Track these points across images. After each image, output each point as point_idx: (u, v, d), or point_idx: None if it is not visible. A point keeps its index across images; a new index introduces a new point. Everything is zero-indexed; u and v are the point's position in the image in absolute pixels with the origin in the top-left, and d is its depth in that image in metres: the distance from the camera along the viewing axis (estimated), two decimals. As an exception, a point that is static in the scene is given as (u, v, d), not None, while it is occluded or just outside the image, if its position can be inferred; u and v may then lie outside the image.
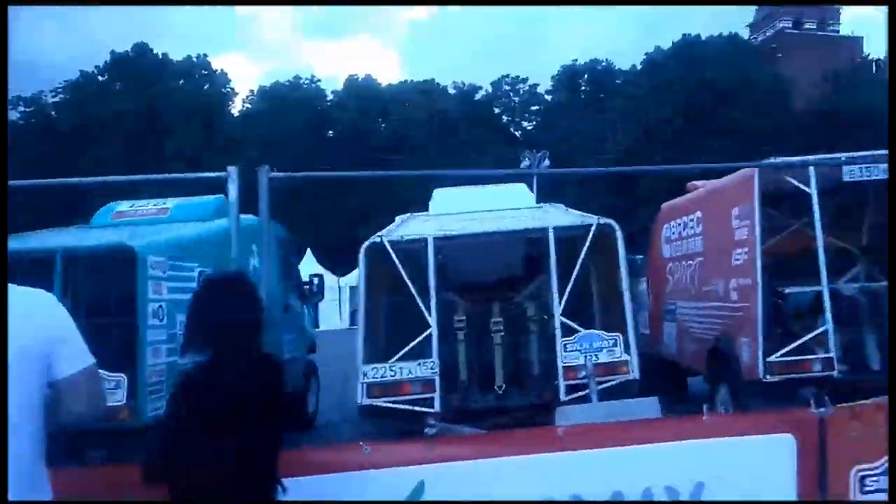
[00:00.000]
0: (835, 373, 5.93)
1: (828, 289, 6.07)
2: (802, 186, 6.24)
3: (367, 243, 5.97)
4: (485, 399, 5.97)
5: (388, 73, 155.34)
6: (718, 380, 6.95)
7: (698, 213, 7.81)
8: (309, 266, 25.64)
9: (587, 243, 6.05)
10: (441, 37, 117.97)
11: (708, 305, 7.33)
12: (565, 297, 5.97)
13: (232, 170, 3.64)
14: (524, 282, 6.97)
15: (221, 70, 55.11)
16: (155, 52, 53.26)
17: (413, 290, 5.85)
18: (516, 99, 53.97)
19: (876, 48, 67.35)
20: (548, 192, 38.49)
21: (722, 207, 7.01)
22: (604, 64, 60.94)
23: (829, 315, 6.03)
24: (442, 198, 8.18)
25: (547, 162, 41.33)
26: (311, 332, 10.40)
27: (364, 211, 37.72)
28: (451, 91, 54.41)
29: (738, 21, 73.22)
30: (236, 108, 55.98)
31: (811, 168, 6.19)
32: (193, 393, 2.26)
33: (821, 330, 6.03)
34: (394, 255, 5.90)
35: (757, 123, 47.17)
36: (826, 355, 5.97)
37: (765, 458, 3.62)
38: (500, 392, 5.97)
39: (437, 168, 40.41)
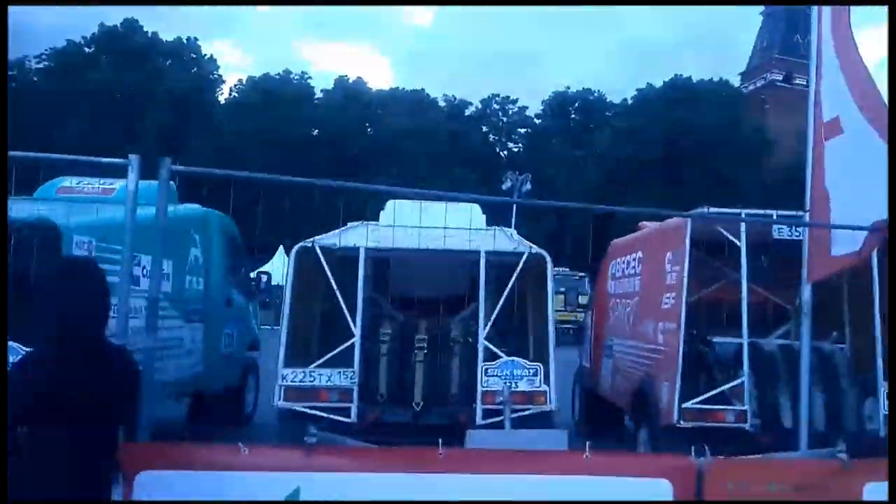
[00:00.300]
0: (747, 426, 6.07)
1: (747, 342, 6.22)
2: (733, 239, 6.41)
3: (297, 247, 6.03)
4: (401, 414, 6.03)
5: (383, 78, 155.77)
6: (640, 421, 7.07)
7: (639, 254, 7.96)
8: (281, 265, 25.52)
9: (517, 271, 6.15)
10: (441, 47, 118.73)
11: (637, 345, 7.46)
12: (490, 322, 6.06)
13: (133, 158, 3.64)
14: (458, 302, 7.05)
15: (211, 55, 54.95)
16: (145, 29, 52.97)
17: (340, 298, 5.91)
18: (504, 119, 54.42)
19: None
20: (527, 216, 38.85)
21: (658, 251, 7.16)
22: (595, 94, 61.73)
23: (746, 368, 6.18)
24: (394, 209, 8.26)
25: (528, 185, 41.88)
26: (255, 329, 10.35)
27: (336, 215, 37.66)
28: (442, 104, 54.78)
29: (731, 69, 74.63)
30: (224, 95, 55.82)
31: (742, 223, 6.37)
32: (21, 384, 2.21)
33: (737, 382, 6.17)
34: (324, 261, 5.96)
35: (737, 171, 48.09)
36: (740, 408, 6.11)
37: (641, 501, 3.70)
38: (418, 409, 6.03)
39: (414, 180, 40.57)
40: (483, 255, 6.16)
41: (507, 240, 6.63)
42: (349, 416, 5.74)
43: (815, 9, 5.30)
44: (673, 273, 6.62)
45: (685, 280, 6.33)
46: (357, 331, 5.90)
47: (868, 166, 4.62)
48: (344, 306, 5.93)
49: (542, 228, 41.05)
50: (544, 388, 6.01)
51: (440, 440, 3.56)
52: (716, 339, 6.95)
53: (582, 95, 61.16)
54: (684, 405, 6.08)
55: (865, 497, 3.62)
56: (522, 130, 56.05)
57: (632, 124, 51.00)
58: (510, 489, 3.63)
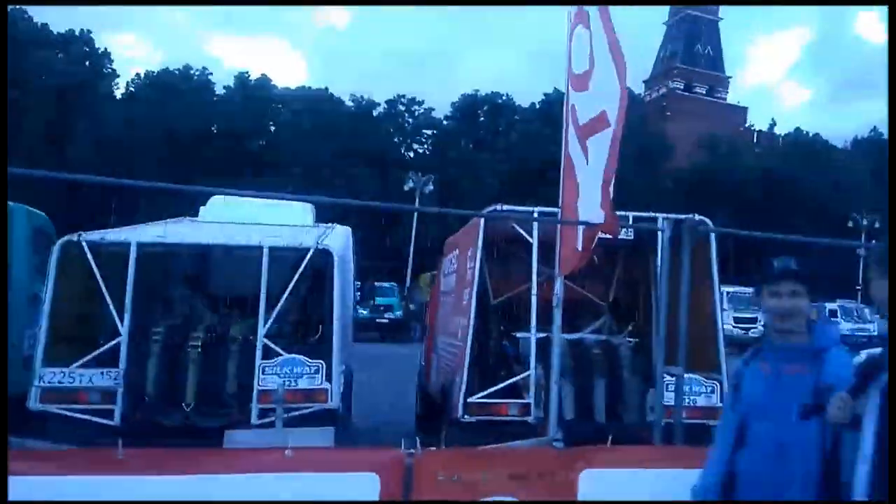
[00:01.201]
0: (530, 418, 6.18)
1: (535, 337, 6.33)
2: (526, 236, 6.53)
3: (60, 241, 5.78)
4: (171, 416, 5.84)
5: (294, 76, 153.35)
6: (442, 416, 7.12)
7: (456, 251, 8.05)
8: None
9: (301, 267, 6.07)
10: (355, 48, 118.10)
11: (447, 342, 7.55)
12: (271, 320, 5.95)
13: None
14: (239, 299, 6.91)
15: (105, 49, 52.73)
16: (35, 20, 50.37)
17: (106, 296, 5.68)
18: (410, 120, 54.45)
19: (759, 120, 72.72)
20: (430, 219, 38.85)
21: (465, 248, 7.26)
22: (504, 98, 62.54)
23: (532, 362, 6.29)
24: (214, 206, 8.06)
25: (431, 186, 42.06)
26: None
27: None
28: (349, 103, 54.32)
29: (636, 76, 77.38)
30: (120, 90, 53.63)
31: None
32: None
33: (523, 376, 6.29)
34: (90, 257, 5.72)
35: (637, 175, 49.60)
36: (524, 401, 6.22)
37: (349, 496, 3.67)
38: (188, 410, 5.86)
39: (312, 180, 40.11)
40: (266, 250, 6.04)
41: (295, 236, 6.53)
42: (112, 419, 5.50)
43: (574, 9, 5.33)
44: (471, 270, 6.70)
45: (477, 276, 6.41)
46: (123, 329, 5.68)
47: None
48: (110, 304, 5.69)
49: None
50: (325, 385, 5.94)
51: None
52: (520, 335, 7.06)
53: (491, 98, 61.85)
54: (469, 400, 6.15)
55: (580, 484, 3.68)
56: (428, 132, 56.17)
57: (536, 128, 51.94)
58: (212, 488, 3.51)
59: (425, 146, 57.26)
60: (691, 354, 7.53)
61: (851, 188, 53.06)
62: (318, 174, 43.59)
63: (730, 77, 71.87)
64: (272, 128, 50.58)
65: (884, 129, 69.19)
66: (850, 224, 45.97)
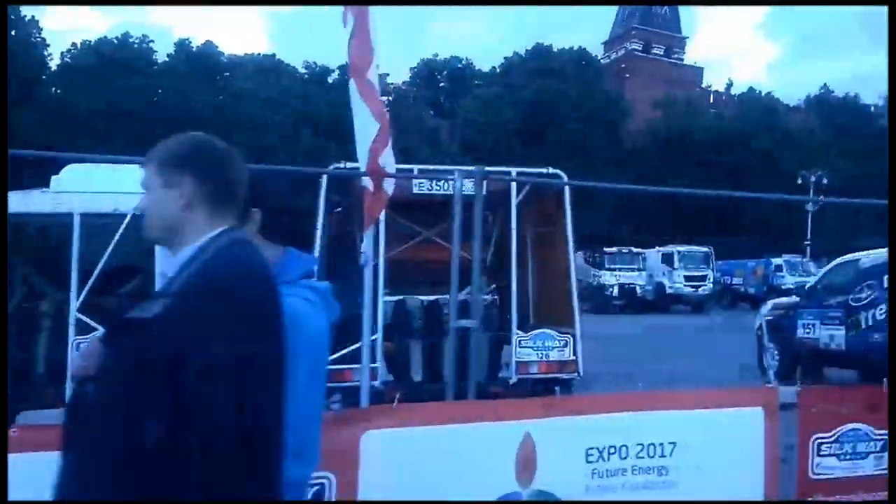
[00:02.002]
0: (376, 383, 5.88)
1: (383, 301, 6.00)
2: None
3: None
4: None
5: (249, 43, 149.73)
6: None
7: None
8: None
9: (117, 235, 5.61)
10: (311, 13, 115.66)
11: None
12: (85, 291, 5.51)
13: None
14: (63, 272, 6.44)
15: (32, 17, 50.65)
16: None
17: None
18: (364, 86, 53.31)
19: (715, 79, 72.81)
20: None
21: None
22: (464, 62, 61.98)
23: (381, 325, 5.97)
24: (67, 175, 7.52)
25: (384, 154, 41.43)
26: None
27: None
28: (302, 70, 53.18)
29: (596, 38, 77.00)
30: (55, 61, 51.74)
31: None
32: None
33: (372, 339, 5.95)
34: None
35: (595, 138, 49.52)
36: (371, 366, 5.89)
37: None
38: (4, 390, 5.42)
39: (259, 149, 39.16)
40: (77, 216, 5.57)
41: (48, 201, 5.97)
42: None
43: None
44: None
45: (318, 234, 6.07)
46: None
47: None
48: None
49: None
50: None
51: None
52: (386, 299, 6.72)
53: (451, 63, 61.21)
54: (320, 367, 5.81)
55: (361, 445, 3.55)
56: (385, 98, 55.13)
57: (494, 92, 51.48)
58: None
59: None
60: (546, 310, 7.39)
61: (802, 145, 53.56)
62: (267, 143, 42.66)
63: (686, 37, 71.98)
64: (220, 98, 49.31)
65: (834, 87, 69.94)
66: (800, 181, 46.41)
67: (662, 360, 14.01)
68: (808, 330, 11.27)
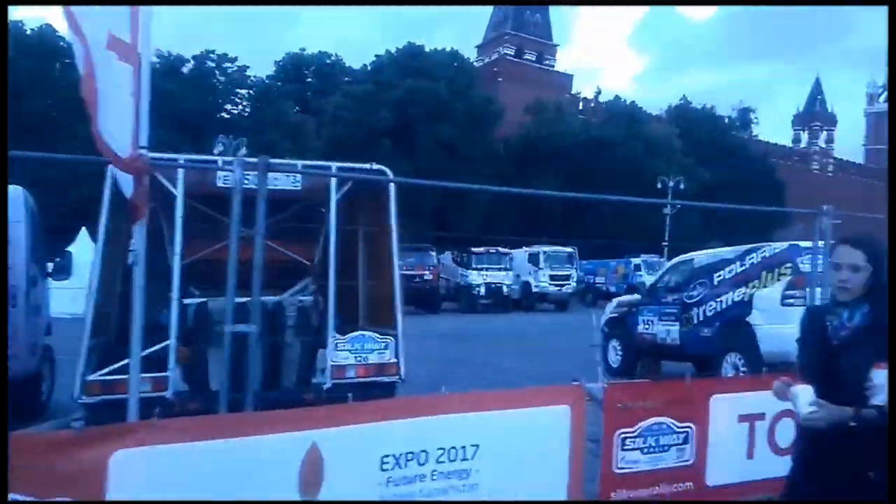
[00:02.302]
0: (168, 394, 5.32)
1: (177, 302, 5.45)
2: (170, 187, 5.60)
3: None
4: None
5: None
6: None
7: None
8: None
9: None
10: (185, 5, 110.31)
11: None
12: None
13: None
14: None
15: None
16: None
17: None
18: (223, 78, 51.26)
19: (585, 87, 75.83)
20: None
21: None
22: (333, 58, 60.87)
23: (173, 331, 5.41)
24: None
25: (244, 150, 39.85)
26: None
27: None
28: (154, 59, 50.10)
29: (471, 40, 78.06)
30: None
31: (180, 170, 5.55)
32: None
33: (160, 346, 5.38)
34: None
35: (467, 140, 50.05)
36: (160, 375, 5.33)
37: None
38: None
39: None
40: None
41: None
42: None
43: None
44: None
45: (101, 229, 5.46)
46: None
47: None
48: None
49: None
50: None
51: None
52: (188, 301, 6.15)
53: (318, 59, 59.92)
54: (88, 378, 5.18)
55: (111, 466, 3.17)
56: (243, 92, 53.23)
57: (364, 90, 50.90)
58: None
59: (241, 107, 54.20)
60: (371, 311, 7.14)
61: (662, 152, 56.64)
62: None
63: (557, 45, 74.28)
64: (62, 85, 45.67)
65: (693, 98, 74.72)
66: (659, 185, 49.14)
67: (508, 357, 14.13)
68: (647, 326, 11.65)
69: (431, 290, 31.06)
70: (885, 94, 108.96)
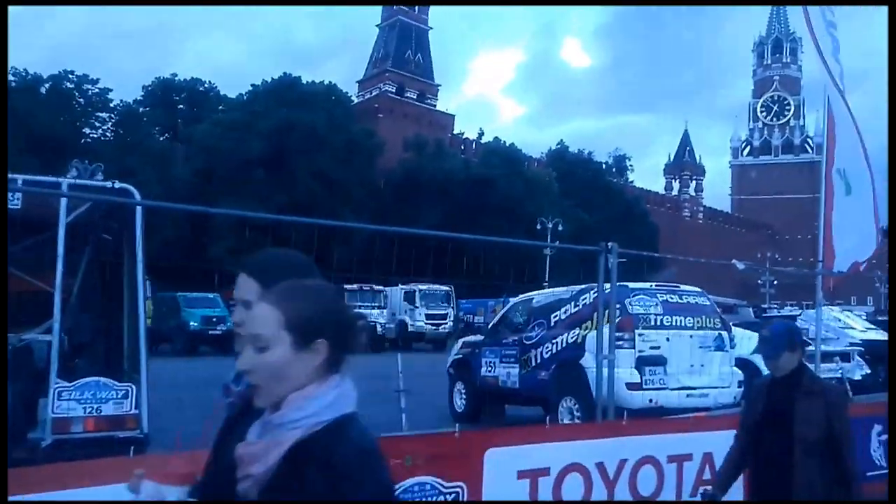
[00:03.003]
0: None
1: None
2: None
3: None
4: None
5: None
6: None
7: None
8: None
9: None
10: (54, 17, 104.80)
11: None
12: None
13: None
14: None
15: None
16: None
17: None
18: (82, 100, 48.33)
19: (467, 128, 77.26)
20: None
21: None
22: (206, 85, 58.97)
23: None
24: None
25: (100, 176, 37.56)
26: None
27: None
28: (11, 78, 46.74)
29: (353, 75, 77.68)
30: None
31: None
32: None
33: None
34: None
35: (345, 174, 49.37)
36: None
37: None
38: None
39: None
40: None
41: None
42: None
43: None
44: None
45: None
46: None
47: None
48: None
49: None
50: None
51: None
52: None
53: (190, 85, 57.88)
54: None
55: None
56: (104, 115, 50.39)
57: (234, 118, 49.37)
58: None
59: (101, 131, 51.26)
60: (110, 354, 6.28)
61: (541, 194, 58.06)
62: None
63: (439, 85, 75.28)
64: None
65: (572, 144, 77.61)
66: (539, 226, 50.17)
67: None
68: (489, 368, 11.22)
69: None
70: (748, 147, 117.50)
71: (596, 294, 9.70)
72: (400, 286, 35.99)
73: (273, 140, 47.55)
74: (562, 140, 76.52)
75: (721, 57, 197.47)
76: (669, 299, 9.50)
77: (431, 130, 64.95)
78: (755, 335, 10.14)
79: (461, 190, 54.35)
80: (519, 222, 52.19)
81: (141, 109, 55.42)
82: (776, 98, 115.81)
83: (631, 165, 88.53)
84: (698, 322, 9.49)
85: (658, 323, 9.17)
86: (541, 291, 11.24)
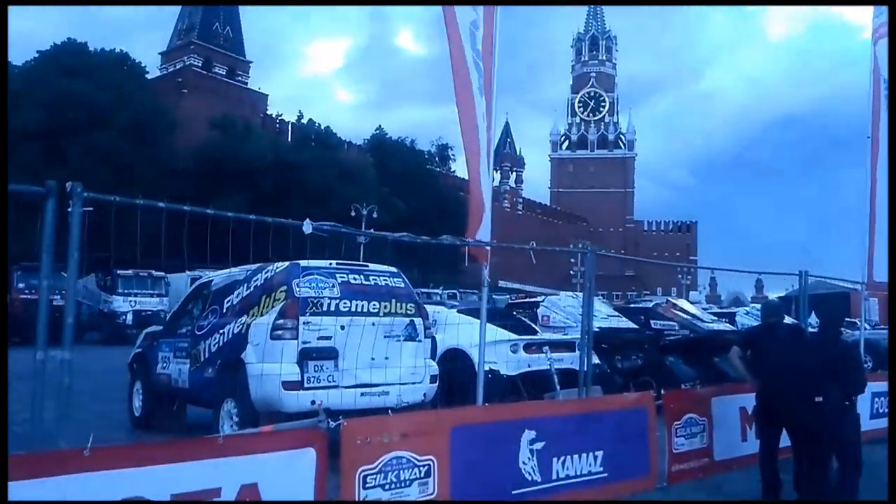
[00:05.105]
0: None
1: None
2: None
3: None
4: None
5: None
6: None
7: None
8: None
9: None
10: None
11: None
12: None
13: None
14: None
15: None
16: None
17: None
18: None
19: (284, 110, 73.76)
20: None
21: None
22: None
23: None
24: None
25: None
26: None
27: None
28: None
29: (157, 47, 71.29)
30: None
31: None
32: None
33: None
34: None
35: (134, 152, 44.98)
36: None
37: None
38: None
39: None
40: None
41: None
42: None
43: None
44: None
45: None
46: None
47: None
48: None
49: None
50: None
51: None
52: None
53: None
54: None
55: None
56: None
57: (12, 89, 43.39)
58: None
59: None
60: None
61: (357, 180, 56.35)
62: None
63: (251, 62, 70.97)
64: None
65: (389, 129, 76.16)
66: (353, 213, 48.81)
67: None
68: (164, 364, 9.32)
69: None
70: (567, 141, 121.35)
71: (268, 274, 8.21)
72: (187, 272, 33.00)
73: (50, 112, 42.16)
74: (380, 126, 75.09)
75: (545, 51, 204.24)
76: (352, 280, 7.97)
77: (242, 109, 60.98)
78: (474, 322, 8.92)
79: (270, 172, 51.38)
80: (332, 208, 50.17)
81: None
82: (592, 94, 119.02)
83: (453, 155, 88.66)
84: (386, 307, 8.03)
85: (332, 308, 7.63)
86: (222, 271, 9.40)
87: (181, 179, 46.89)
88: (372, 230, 40.82)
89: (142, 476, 3.42)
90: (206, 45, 65.45)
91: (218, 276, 9.19)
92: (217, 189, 47.35)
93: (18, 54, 53.26)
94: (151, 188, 44.50)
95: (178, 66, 64.43)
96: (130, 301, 30.18)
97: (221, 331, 8.22)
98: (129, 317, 29.69)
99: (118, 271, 31.15)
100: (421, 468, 4.44)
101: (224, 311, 8.44)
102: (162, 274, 32.38)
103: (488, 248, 6.99)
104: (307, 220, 4.63)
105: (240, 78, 68.39)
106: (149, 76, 55.53)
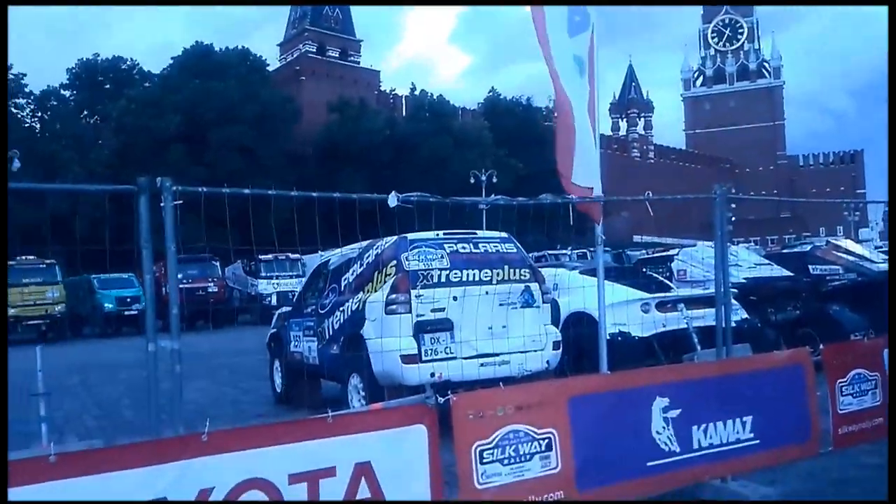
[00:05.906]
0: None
1: None
2: None
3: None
4: None
5: None
6: None
7: None
8: None
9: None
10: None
11: None
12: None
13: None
14: None
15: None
16: None
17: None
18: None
19: (397, 84, 74.38)
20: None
21: None
22: (129, 63, 56.16)
23: None
24: None
25: (17, 163, 35.21)
26: None
27: None
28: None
29: (274, 38, 74.02)
30: None
31: None
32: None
33: None
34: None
35: (262, 143, 47.08)
36: None
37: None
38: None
39: None
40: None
41: None
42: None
43: None
44: None
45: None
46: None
47: None
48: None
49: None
50: None
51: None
52: None
53: (113, 64, 55.05)
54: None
55: None
56: (21, 101, 47.65)
57: (148, 94, 46.73)
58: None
59: (20, 117, 48.64)
60: None
61: (473, 146, 56.13)
62: None
63: (361, 40, 71.93)
64: None
65: (502, 90, 74.68)
66: (472, 180, 48.64)
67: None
68: (296, 343, 9.69)
69: (219, 303, 29.38)
70: (701, 77, 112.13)
71: (378, 250, 8.24)
72: (319, 253, 34.40)
73: (188, 113, 44.99)
74: (493, 87, 74.08)
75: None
76: (461, 250, 7.83)
77: (356, 89, 62.17)
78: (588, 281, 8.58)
79: (386, 149, 52.24)
80: (450, 176, 50.34)
81: (68, 93, 52.98)
82: (727, 22, 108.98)
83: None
84: (498, 274, 7.83)
85: (443, 279, 7.55)
86: (339, 250, 9.53)
87: (306, 163, 48.68)
88: (493, 196, 40.74)
89: (258, 458, 3.45)
90: (319, 30, 67.10)
91: (334, 256, 9.36)
92: (338, 169, 48.75)
93: (157, 63, 57.18)
94: (281, 175, 46.65)
95: (294, 55, 66.66)
96: (273, 283, 31.95)
97: (341, 308, 8.38)
98: (273, 298, 30.95)
99: (261, 257, 32.75)
100: (541, 441, 4.28)
101: (342, 289, 8.58)
102: (298, 256, 33.74)
103: (600, 203, 6.60)
104: (393, 192, 4.53)
105: (352, 58, 69.74)
106: (270, 68, 57.91)
